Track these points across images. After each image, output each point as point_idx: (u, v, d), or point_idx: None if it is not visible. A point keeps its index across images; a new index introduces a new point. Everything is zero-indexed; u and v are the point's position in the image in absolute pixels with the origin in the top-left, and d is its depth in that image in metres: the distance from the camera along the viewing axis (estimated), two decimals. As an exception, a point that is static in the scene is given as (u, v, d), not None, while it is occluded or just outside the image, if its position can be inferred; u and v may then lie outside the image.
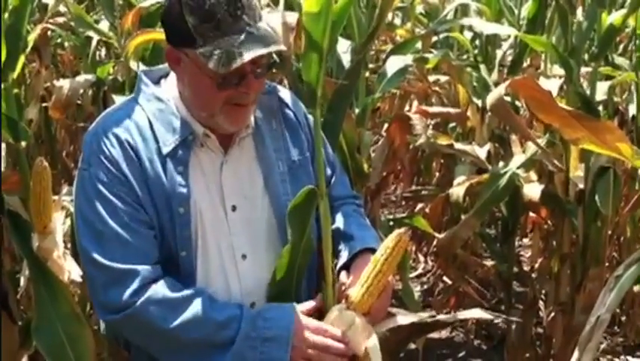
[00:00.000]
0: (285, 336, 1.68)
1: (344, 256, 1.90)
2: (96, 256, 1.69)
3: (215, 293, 1.78)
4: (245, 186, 1.85)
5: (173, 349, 1.72)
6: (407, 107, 5.22)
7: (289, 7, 2.75)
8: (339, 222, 1.99)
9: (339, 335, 1.71)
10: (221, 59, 1.62)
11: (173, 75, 1.84)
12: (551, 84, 3.07)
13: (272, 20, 2.28)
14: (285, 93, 2.02)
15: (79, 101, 4.52)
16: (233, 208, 1.83)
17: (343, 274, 1.86)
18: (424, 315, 1.86)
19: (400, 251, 1.73)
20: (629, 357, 4.44)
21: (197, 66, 1.68)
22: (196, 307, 1.69)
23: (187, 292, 1.71)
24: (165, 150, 1.75)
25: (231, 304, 1.77)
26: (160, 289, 1.69)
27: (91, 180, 1.73)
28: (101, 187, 1.72)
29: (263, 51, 1.64)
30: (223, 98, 1.72)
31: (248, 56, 1.62)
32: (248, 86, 1.72)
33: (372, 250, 1.86)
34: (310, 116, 2.04)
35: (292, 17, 2.34)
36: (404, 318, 1.83)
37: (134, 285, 1.68)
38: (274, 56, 1.77)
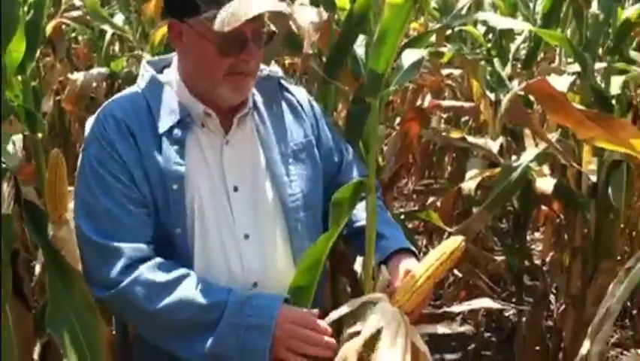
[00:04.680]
0: (267, 325, 1.66)
1: (376, 255, 1.88)
2: (87, 232, 1.74)
3: (216, 272, 1.80)
4: (247, 168, 1.88)
5: (158, 329, 1.74)
6: (420, 101, 5.21)
7: (314, 3, 2.75)
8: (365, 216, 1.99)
9: (326, 329, 1.69)
10: (225, 19, 1.65)
11: (175, 62, 1.89)
12: (563, 81, 3.06)
13: (303, 15, 2.30)
14: (286, 82, 2.05)
15: (93, 95, 4.56)
16: (235, 189, 1.85)
17: (385, 269, 1.85)
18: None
19: (454, 258, 1.72)
20: (639, 350, 4.44)
21: (201, 34, 1.74)
22: (182, 290, 1.70)
23: (175, 274, 1.72)
24: (161, 130, 1.79)
25: (220, 288, 1.76)
26: (147, 271, 1.71)
27: (88, 159, 1.79)
28: (95, 165, 1.77)
29: (269, 7, 1.68)
30: (226, 65, 1.76)
31: (252, 11, 1.65)
32: (249, 53, 1.75)
33: (406, 250, 1.89)
34: (316, 105, 2.08)
35: (323, 15, 2.34)
36: (431, 327, 1.85)
37: (121, 263, 1.70)
38: (272, 27, 1.81)
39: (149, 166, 1.77)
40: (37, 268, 2.33)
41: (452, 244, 1.72)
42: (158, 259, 1.74)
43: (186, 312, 1.69)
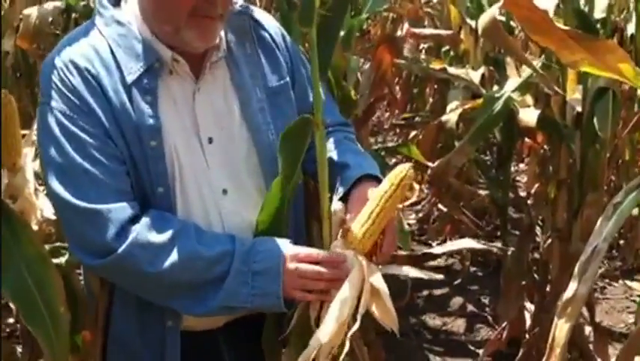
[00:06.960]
0: (274, 268, 1.58)
1: (341, 188, 1.76)
2: (68, 197, 1.57)
3: None
4: (221, 116, 1.72)
5: (163, 291, 1.62)
6: (399, 32, 5.05)
7: None
8: (331, 151, 1.83)
9: (333, 257, 1.61)
10: None
11: None
12: (547, 3, 2.91)
13: None
14: (259, 13, 1.86)
15: (57, 32, 4.35)
16: (210, 140, 1.69)
17: (340, 206, 1.70)
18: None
19: (404, 187, 1.59)
20: (627, 281, 4.43)
21: None
22: (184, 246, 1.58)
23: (172, 230, 1.59)
24: (130, 79, 1.61)
25: (222, 237, 1.65)
26: (143, 232, 1.57)
27: (52, 114, 1.59)
28: (64, 121, 1.58)
29: None
30: (189, 7, 1.57)
31: None
32: None
33: (371, 177, 1.74)
34: (289, 38, 1.90)
35: None
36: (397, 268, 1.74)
37: (113, 227, 1.56)
38: None
39: (122, 121, 1.60)
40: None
41: (399, 173, 1.59)
42: (149, 217, 1.61)
43: (193, 269, 1.58)
